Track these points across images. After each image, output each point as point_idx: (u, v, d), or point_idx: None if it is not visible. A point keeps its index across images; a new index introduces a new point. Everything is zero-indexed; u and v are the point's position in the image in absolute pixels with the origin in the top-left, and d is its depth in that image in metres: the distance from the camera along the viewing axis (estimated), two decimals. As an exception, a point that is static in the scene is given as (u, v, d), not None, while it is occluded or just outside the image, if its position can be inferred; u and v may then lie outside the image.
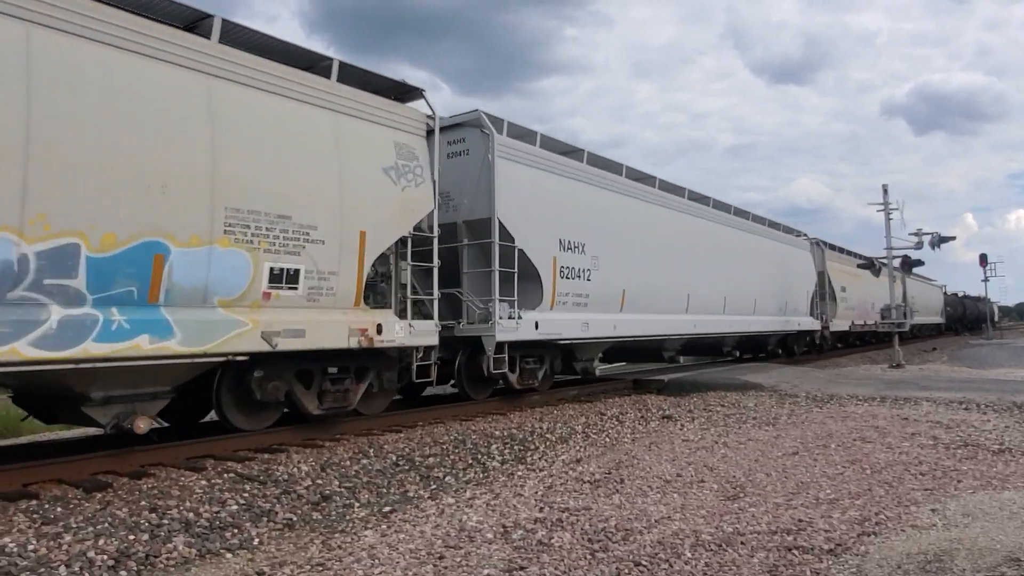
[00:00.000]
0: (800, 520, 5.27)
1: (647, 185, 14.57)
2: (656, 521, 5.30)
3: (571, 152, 12.35)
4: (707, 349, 19.14)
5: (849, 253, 28.31)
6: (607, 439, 9.09)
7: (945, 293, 52.56)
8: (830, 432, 8.98)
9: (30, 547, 4.43)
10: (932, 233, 23.59)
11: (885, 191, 22.79)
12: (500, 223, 10.01)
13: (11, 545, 4.42)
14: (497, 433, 8.67)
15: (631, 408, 11.30)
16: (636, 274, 13.31)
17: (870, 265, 23.83)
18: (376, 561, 4.55)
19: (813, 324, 22.89)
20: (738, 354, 19.24)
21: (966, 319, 58.50)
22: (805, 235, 23.76)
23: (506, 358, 10.09)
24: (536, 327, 10.46)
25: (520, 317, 10.19)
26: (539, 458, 7.92)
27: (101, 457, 6.32)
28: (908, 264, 23.72)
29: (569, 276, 11.41)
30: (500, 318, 9.88)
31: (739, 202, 19.68)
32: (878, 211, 22.74)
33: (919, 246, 23.37)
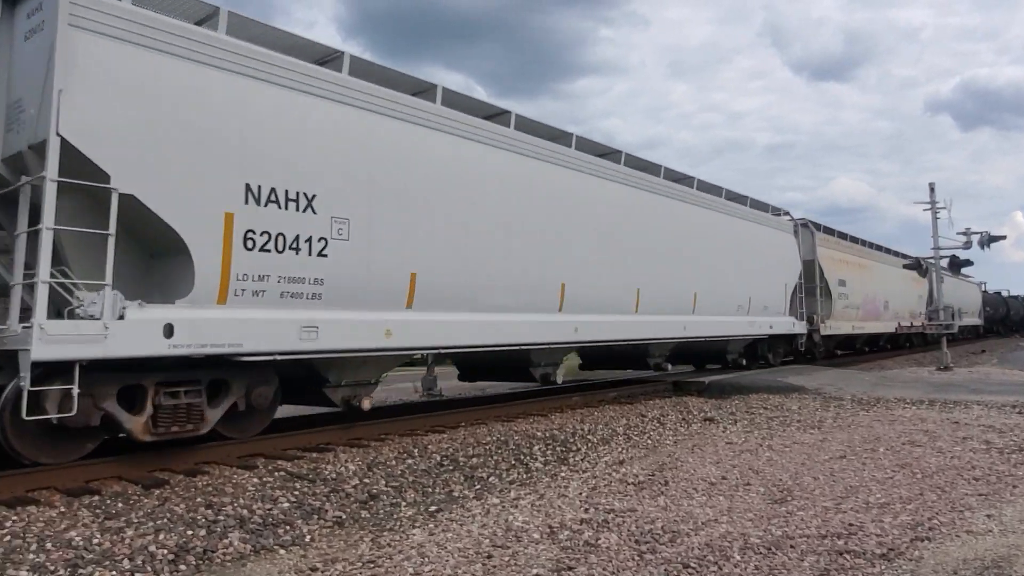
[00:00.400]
0: (850, 524, 5.20)
1: (498, 124, 9.67)
2: (703, 523, 5.28)
3: (329, 60, 7.87)
4: (620, 360, 14.02)
5: (853, 240, 23.60)
6: (649, 441, 9.07)
7: (984, 291, 46.80)
8: (878, 436, 8.83)
9: (95, 541, 4.60)
10: (981, 232, 22.93)
11: (932, 189, 22.27)
12: (67, 144, 5.59)
13: (77, 539, 4.59)
14: (539, 434, 8.70)
15: (672, 410, 11.25)
16: (445, 251, 8.52)
17: (916, 265, 23.30)
18: (426, 559, 4.62)
19: (795, 326, 17.86)
20: (669, 367, 14.54)
21: (1010, 320, 52.86)
22: (788, 213, 18.75)
23: (74, 391, 5.46)
24: (169, 334, 6.02)
25: (121, 316, 5.75)
26: (581, 459, 7.93)
27: (158, 455, 6.50)
28: (956, 264, 23.14)
29: (270, 248, 6.80)
30: (50, 317, 5.43)
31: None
32: (924, 210, 22.21)
33: (967, 246, 22.76)
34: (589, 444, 8.64)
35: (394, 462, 7.02)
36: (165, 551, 4.59)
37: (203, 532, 4.95)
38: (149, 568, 4.40)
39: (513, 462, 7.59)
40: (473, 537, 5.07)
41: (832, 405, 11.76)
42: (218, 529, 5.04)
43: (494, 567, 4.48)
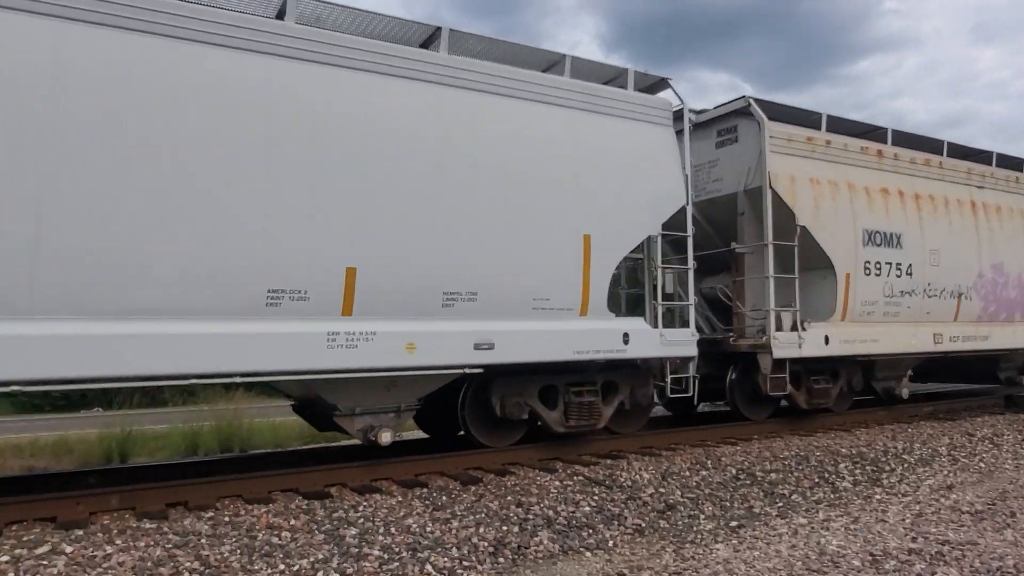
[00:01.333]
0: None
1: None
2: (1072, 567, 4.45)
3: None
4: None
5: (926, 143, 10.33)
6: (981, 464, 7.88)
7: None
8: None
9: (428, 528, 5.18)
10: None
11: None
12: None
13: (414, 526, 5.20)
14: (844, 451, 8.00)
15: (1007, 429, 9.66)
16: None
17: None
18: (733, 576, 4.49)
19: (633, 344, 7.29)
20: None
21: None
22: (666, 82, 7.98)
23: None
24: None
25: None
26: (898, 481, 7.14)
27: (469, 455, 7.13)
28: None
29: None
30: None
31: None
32: None
33: None
34: (905, 464, 7.75)
35: (688, 473, 6.92)
36: (486, 543, 5.02)
37: (516, 529, 5.33)
38: (474, 558, 4.84)
39: (817, 480, 7.08)
40: (783, 558, 4.81)
41: None
42: (528, 527, 5.38)
43: (811, 592, 4.21)
